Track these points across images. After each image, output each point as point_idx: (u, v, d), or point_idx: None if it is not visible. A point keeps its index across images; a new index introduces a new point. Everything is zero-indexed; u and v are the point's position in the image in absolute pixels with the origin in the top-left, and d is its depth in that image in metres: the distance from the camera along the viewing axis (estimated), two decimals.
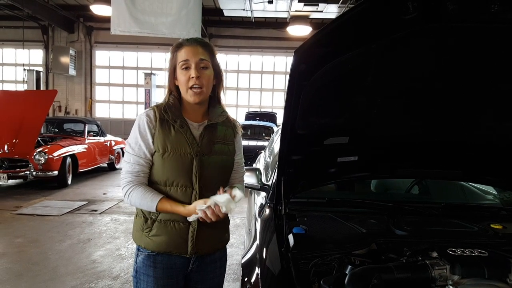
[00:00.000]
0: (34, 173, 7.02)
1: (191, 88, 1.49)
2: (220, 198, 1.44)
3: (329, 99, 1.68)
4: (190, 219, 1.48)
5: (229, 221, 1.68)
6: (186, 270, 1.59)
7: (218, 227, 1.62)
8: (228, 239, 1.70)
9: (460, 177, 2.30)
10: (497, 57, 1.55)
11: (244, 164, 1.74)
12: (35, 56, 15.78)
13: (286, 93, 1.52)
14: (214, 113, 1.60)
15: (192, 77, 1.48)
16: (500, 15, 1.33)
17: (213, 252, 1.63)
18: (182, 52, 1.51)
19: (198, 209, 1.44)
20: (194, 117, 1.57)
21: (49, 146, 7.44)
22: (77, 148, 8.05)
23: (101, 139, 9.42)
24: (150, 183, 1.54)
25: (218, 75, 1.58)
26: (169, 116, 1.51)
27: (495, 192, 2.48)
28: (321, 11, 10.86)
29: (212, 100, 1.61)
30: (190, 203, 1.50)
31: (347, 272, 1.36)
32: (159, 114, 1.51)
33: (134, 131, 1.53)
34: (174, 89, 1.57)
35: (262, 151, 5.03)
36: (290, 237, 1.64)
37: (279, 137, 1.76)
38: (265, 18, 13.71)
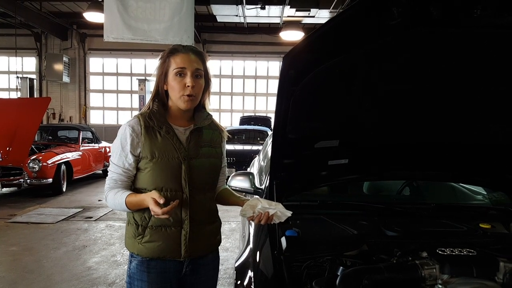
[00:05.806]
0: (28, 181, 6.99)
1: (185, 95, 1.51)
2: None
3: (318, 103, 1.70)
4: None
5: (221, 223, 1.70)
6: (179, 274, 1.60)
7: (210, 230, 1.64)
8: (220, 241, 1.71)
9: (450, 178, 2.34)
10: (482, 60, 1.59)
11: (226, 165, 1.77)
12: (29, 63, 15.69)
13: (276, 98, 1.55)
14: (199, 117, 1.62)
15: (188, 86, 1.50)
16: (483, 19, 1.37)
17: (206, 255, 1.64)
18: (177, 59, 1.52)
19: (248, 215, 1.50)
20: (179, 122, 1.59)
21: (43, 153, 7.41)
22: (71, 155, 8.03)
23: (96, 146, 9.40)
24: (139, 189, 1.55)
25: (207, 83, 1.60)
26: (154, 123, 1.52)
27: (484, 193, 2.51)
28: (313, 16, 10.89)
29: (198, 105, 1.63)
30: (181, 207, 1.52)
31: (338, 273, 1.38)
32: (144, 122, 1.52)
33: (116, 141, 1.55)
34: (163, 94, 1.58)
35: (257, 155, 5.05)
36: (283, 240, 1.66)
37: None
38: (258, 23, 13.77)
